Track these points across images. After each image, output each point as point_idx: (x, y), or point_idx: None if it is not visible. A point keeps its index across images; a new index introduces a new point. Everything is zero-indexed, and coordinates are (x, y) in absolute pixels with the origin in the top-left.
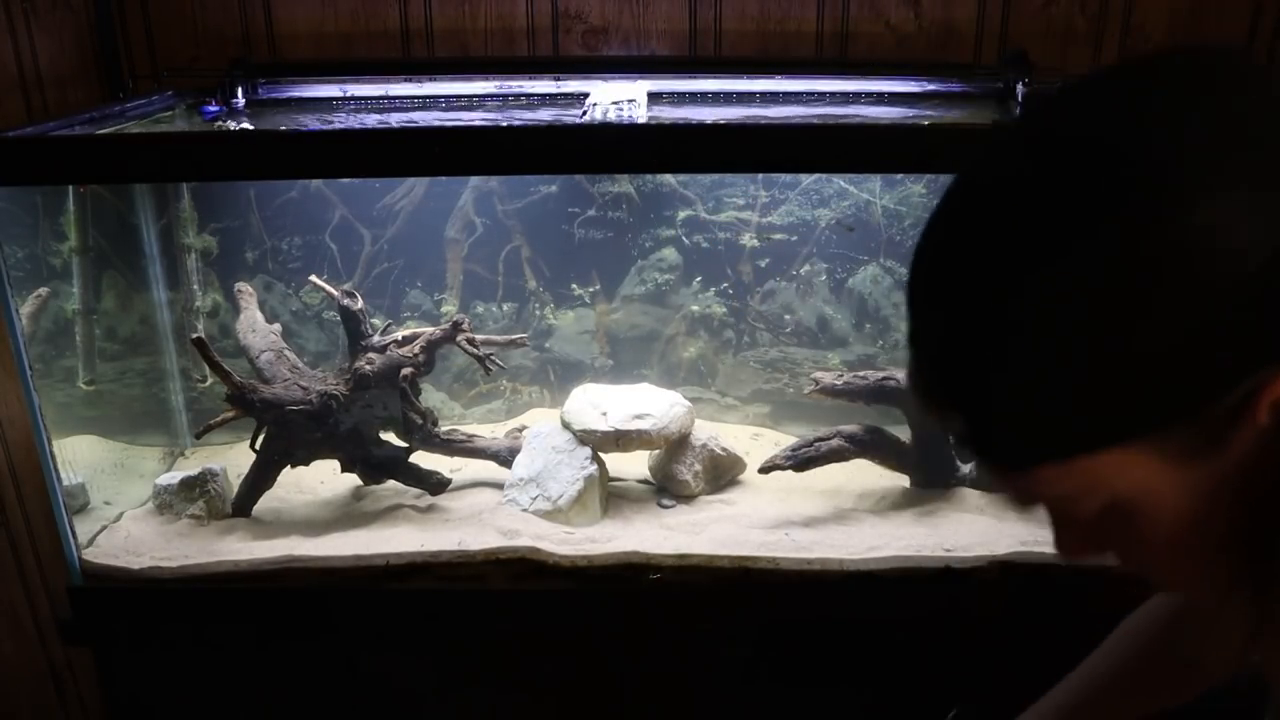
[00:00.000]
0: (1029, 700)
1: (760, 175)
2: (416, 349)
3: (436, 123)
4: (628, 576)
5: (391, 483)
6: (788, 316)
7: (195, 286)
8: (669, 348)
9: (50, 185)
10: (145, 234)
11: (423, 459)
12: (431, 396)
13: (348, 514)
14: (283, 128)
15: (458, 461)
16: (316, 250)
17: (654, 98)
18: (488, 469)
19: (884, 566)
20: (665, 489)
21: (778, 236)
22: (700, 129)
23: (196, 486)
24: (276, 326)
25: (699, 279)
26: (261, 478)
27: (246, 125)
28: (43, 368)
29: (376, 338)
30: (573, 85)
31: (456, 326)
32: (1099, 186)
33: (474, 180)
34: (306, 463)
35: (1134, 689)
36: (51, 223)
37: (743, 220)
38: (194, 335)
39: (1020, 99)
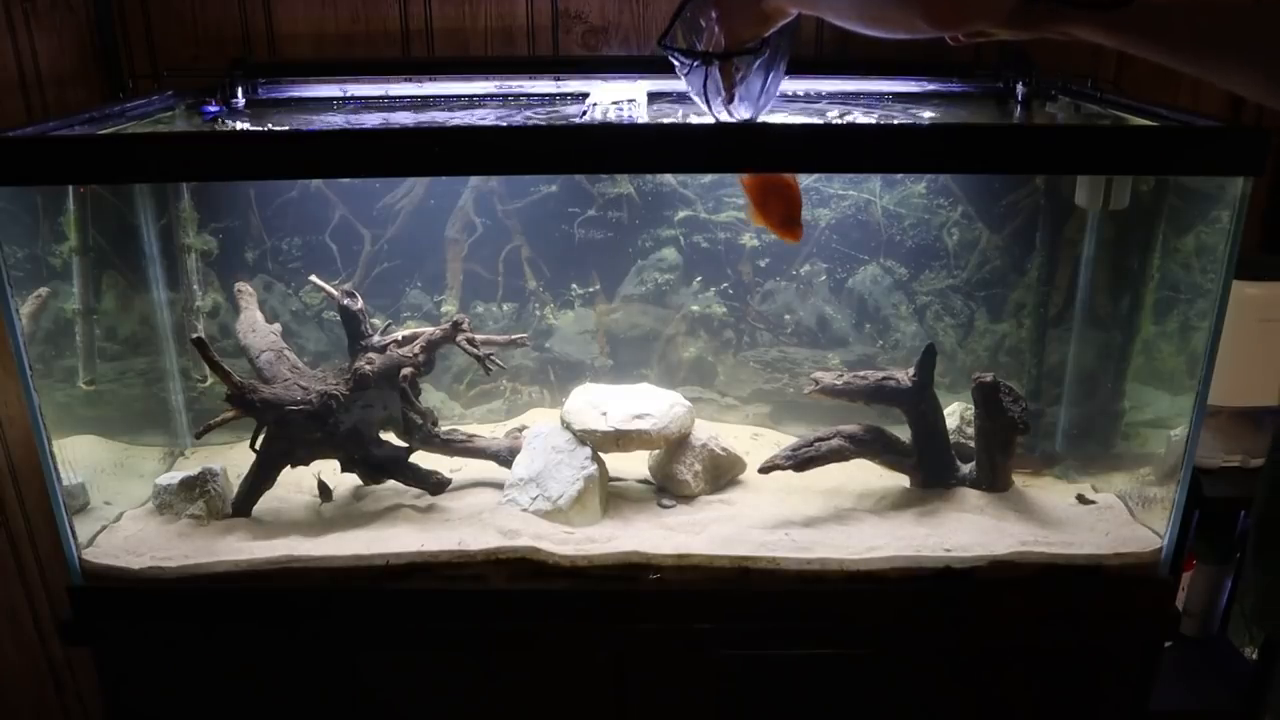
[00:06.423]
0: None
1: None
2: (416, 349)
3: (436, 123)
4: (628, 576)
5: (391, 483)
6: (788, 316)
7: (195, 286)
8: (669, 348)
9: (50, 185)
10: (145, 234)
11: (423, 459)
12: (431, 396)
13: (348, 514)
14: (282, 128)
15: (458, 461)
16: (316, 250)
17: (654, 98)
18: (488, 469)
19: (884, 566)
20: (665, 489)
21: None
22: (700, 129)
23: (196, 486)
24: (276, 326)
25: (699, 279)
26: (261, 478)
27: (246, 125)
28: (43, 368)
29: (376, 338)
30: (573, 85)
31: (456, 326)
32: None
33: (474, 180)
34: (306, 462)
35: None
36: (51, 223)
37: (743, 220)
38: (194, 335)
39: (1020, 99)
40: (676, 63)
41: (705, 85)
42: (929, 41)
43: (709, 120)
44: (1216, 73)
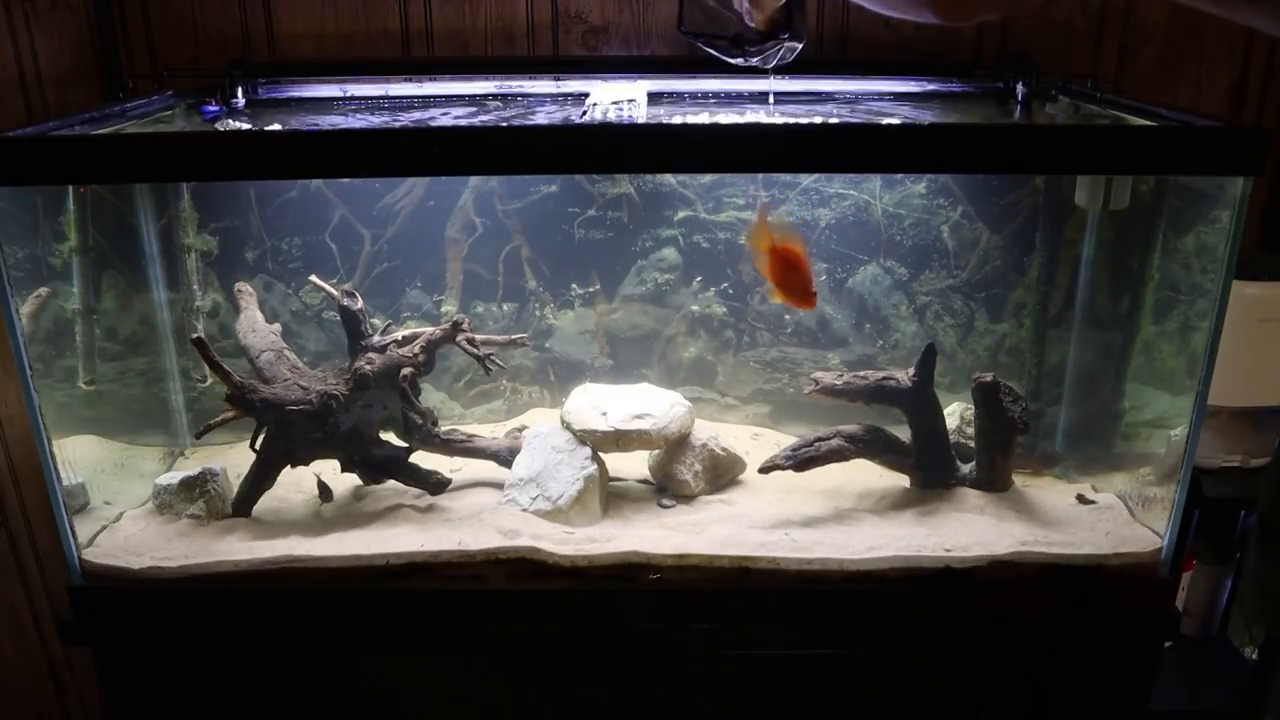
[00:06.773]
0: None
1: (760, 175)
2: (416, 349)
3: (436, 123)
4: (628, 576)
5: (391, 483)
6: (788, 316)
7: (195, 286)
8: (669, 348)
9: (50, 185)
10: (145, 234)
11: (423, 459)
12: (431, 396)
13: (348, 514)
14: (283, 128)
15: (458, 461)
16: (316, 250)
17: (654, 98)
18: (488, 469)
19: (884, 566)
20: (665, 489)
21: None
22: (700, 129)
23: (196, 486)
24: (276, 326)
25: (699, 279)
26: (261, 478)
27: (246, 125)
28: (43, 368)
29: (376, 338)
30: (573, 85)
31: (456, 326)
32: None
33: (474, 180)
34: (306, 462)
35: None
36: (51, 223)
37: (743, 220)
38: (194, 335)
39: (1020, 99)
40: (699, 44)
41: (743, 57)
42: (928, 40)
43: (708, 121)
44: (1239, 11)
